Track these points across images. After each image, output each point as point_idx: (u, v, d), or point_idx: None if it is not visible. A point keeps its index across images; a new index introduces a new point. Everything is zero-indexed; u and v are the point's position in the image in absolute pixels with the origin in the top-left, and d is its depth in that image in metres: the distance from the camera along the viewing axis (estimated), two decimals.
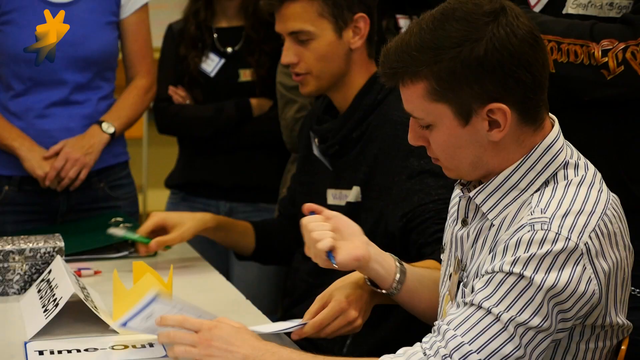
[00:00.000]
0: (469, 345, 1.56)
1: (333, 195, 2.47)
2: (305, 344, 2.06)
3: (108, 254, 2.62)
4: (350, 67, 2.41)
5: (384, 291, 1.93)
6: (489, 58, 1.60)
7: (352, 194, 2.40)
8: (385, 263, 1.91)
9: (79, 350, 1.89)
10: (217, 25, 3.35)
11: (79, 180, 2.83)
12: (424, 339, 1.62)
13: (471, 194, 1.72)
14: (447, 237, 1.85)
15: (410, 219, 2.24)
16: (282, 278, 3.28)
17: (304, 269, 2.50)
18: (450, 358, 1.56)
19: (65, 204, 2.90)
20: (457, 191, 1.84)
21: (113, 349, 1.90)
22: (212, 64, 3.34)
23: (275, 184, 3.31)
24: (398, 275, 1.92)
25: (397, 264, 1.93)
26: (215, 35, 3.34)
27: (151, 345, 1.90)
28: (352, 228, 1.91)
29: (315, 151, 2.52)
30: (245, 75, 3.33)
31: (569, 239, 1.56)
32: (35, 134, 2.83)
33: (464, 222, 1.77)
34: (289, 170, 3.27)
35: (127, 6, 2.94)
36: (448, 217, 1.88)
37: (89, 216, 2.94)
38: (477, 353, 1.55)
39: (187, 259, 2.69)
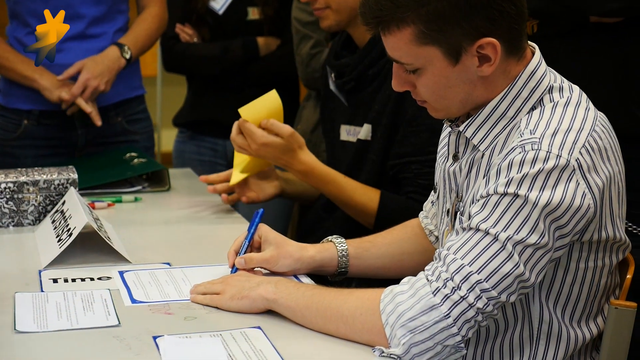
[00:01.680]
0: (469, 266, 1.59)
1: (347, 132, 2.49)
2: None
3: (122, 188, 2.65)
4: None
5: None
6: None
7: (363, 131, 2.42)
8: (322, 258, 1.97)
9: (92, 279, 1.92)
10: None
11: (95, 112, 2.84)
12: (426, 267, 1.65)
13: (461, 128, 1.74)
14: (438, 176, 1.88)
15: (397, 171, 2.31)
16: (290, 207, 3.33)
17: (317, 204, 2.55)
18: (452, 281, 1.59)
19: (83, 138, 2.92)
20: (445, 130, 1.86)
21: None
22: (220, 2, 3.34)
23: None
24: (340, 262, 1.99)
25: (339, 253, 1.99)
26: None
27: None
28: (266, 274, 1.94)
29: (332, 86, 2.53)
30: (254, 13, 3.33)
31: (560, 156, 1.59)
32: (51, 68, 2.83)
33: (455, 157, 1.79)
34: (303, 107, 3.28)
35: None
36: (438, 158, 1.90)
37: (107, 150, 2.97)
38: (478, 273, 1.58)
39: (197, 190, 2.73)
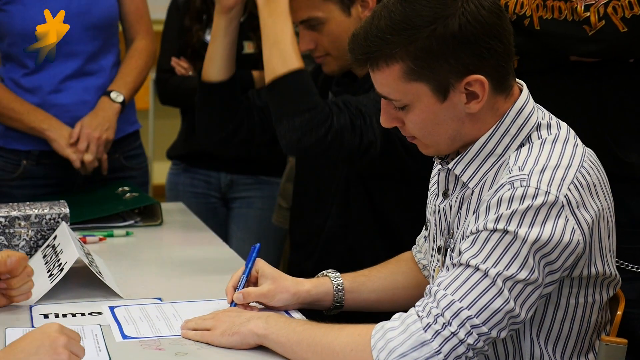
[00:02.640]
0: (460, 302, 1.59)
1: None
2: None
3: (114, 223, 2.65)
4: None
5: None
6: (464, 32, 1.62)
7: None
8: (318, 292, 1.97)
9: (83, 314, 1.92)
10: None
11: (104, 161, 2.85)
12: (417, 303, 1.65)
13: (450, 165, 1.75)
14: (429, 213, 1.89)
15: None
16: (282, 240, 3.32)
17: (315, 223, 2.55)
18: (443, 317, 1.59)
19: (81, 176, 2.92)
20: (435, 167, 1.87)
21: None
22: None
23: (276, 157, 3.32)
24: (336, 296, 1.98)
25: (335, 287, 1.98)
26: None
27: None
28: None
29: None
30: (249, 47, 3.35)
31: (549, 193, 1.60)
32: (50, 109, 2.85)
33: (445, 195, 1.80)
34: None
35: None
36: (429, 194, 1.91)
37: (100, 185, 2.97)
38: (468, 309, 1.58)
39: (190, 225, 2.73)
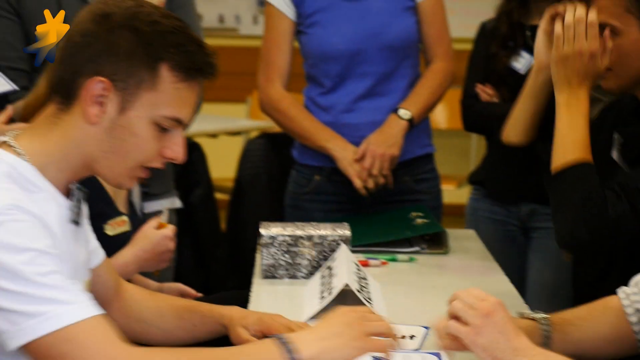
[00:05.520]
0: None
1: None
2: None
3: (400, 247, 2.69)
4: None
5: None
6: None
7: None
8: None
9: None
10: (531, 23, 3.31)
11: (389, 177, 2.89)
12: None
13: None
14: None
15: None
16: None
17: None
18: None
19: (370, 196, 2.98)
20: None
21: None
22: (523, 62, 3.30)
23: None
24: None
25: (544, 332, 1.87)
26: (528, 33, 3.30)
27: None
28: None
29: (615, 154, 2.43)
30: None
31: None
32: (342, 128, 2.95)
33: None
34: None
35: None
36: None
37: (393, 208, 3.02)
38: None
39: (476, 254, 2.72)
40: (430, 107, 3.00)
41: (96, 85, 1.62)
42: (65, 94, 1.66)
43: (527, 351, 1.69)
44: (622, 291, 1.92)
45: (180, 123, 1.68)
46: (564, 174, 2.23)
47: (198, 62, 1.67)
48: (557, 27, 2.29)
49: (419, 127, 2.96)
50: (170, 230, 2.38)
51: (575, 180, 2.21)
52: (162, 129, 1.66)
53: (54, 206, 1.65)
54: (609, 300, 1.96)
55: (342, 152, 2.89)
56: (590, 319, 1.94)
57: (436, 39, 3.01)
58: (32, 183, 1.63)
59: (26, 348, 1.53)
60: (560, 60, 2.28)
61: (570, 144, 2.24)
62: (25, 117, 2.37)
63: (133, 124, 1.64)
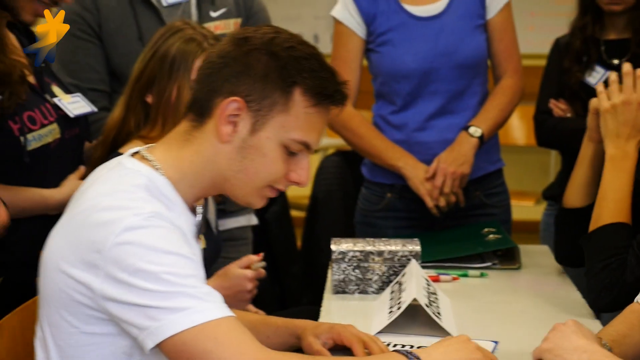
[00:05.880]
0: None
1: None
2: None
3: (472, 263, 2.69)
4: None
5: None
6: None
7: None
8: None
9: (411, 346, 1.99)
10: (606, 38, 3.29)
11: (460, 194, 2.90)
12: None
13: None
14: None
15: None
16: None
17: None
18: None
19: (442, 213, 3.00)
20: None
21: None
22: (597, 76, 3.28)
23: None
24: None
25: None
26: (602, 48, 3.28)
27: None
28: None
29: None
30: None
31: None
32: (414, 146, 2.96)
33: None
34: None
35: (492, 6, 2.97)
36: None
37: (465, 223, 3.02)
38: None
39: (548, 269, 2.70)
40: (501, 124, 3.01)
41: (231, 104, 1.68)
42: (199, 111, 1.72)
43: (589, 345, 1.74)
44: None
45: (308, 147, 1.72)
46: (594, 235, 2.24)
47: (330, 89, 1.71)
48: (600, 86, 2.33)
49: (489, 143, 2.96)
50: (251, 272, 2.43)
51: (602, 244, 2.21)
52: (289, 153, 1.71)
53: (184, 221, 1.71)
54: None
55: (413, 170, 2.91)
56: (632, 335, 1.92)
57: (506, 55, 3.02)
58: (166, 197, 1.69)
59: (164, 346, 1.56)
60: (609, 111, 2.27)
61: (608, 203, 2.24)
62: (93, 156, 2.47)
63: (263, 145, 1.69)
